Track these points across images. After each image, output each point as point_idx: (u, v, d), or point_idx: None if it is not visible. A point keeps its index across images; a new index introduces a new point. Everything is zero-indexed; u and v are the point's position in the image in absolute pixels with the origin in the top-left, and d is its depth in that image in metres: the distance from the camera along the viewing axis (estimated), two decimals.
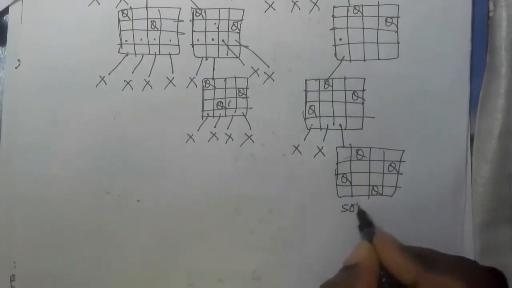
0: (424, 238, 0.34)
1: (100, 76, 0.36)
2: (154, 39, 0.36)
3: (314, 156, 0.36)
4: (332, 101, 0.36)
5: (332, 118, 0.36)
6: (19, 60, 0.36)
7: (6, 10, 0.36)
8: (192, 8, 0.36)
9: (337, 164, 0.35)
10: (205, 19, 0.36)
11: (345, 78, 0.35)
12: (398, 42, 0.35)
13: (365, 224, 0.33)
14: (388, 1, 0.35)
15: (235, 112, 0.36)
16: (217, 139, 0.36)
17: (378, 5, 0.35)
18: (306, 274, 0.35)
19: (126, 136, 0.36)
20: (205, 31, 0.36)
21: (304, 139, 0.36)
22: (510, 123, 0.34)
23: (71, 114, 0.36)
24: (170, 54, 0.36)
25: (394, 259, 0.29)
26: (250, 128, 0.36)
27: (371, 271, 0.29)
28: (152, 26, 0.36)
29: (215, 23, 0.36)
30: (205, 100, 0.36)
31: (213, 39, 0.36)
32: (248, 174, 0.36)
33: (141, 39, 0.36)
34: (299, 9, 0.36)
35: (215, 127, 0.36)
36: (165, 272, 0.36)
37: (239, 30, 0.36)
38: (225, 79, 0.36)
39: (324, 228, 0.35)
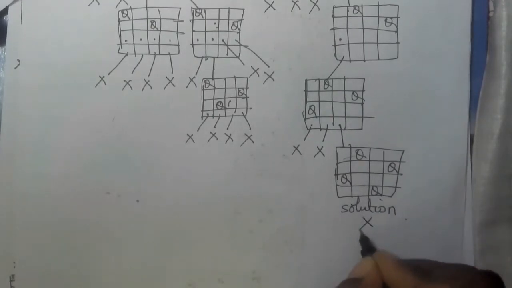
0: (424, 239, 0.35)
1: (100, 76, 0.36)
2: (154, 39, 0.36)
3: (314, 156, 0.35)
4: (332, 101, 0.36)
5: (331, 118, 0.35)
6: (18, 60, 0.36)
7: (6, 10, 0.36)
8: (192, 8, 0.36)
9: (337, 164, 0.35)
10: (205, 19, 0.36)
11: (344, 78, 0.35)
12: (398, 42, 0.35)
13: (368, 250, 0.33)
14: (388, 1, 0.35)
15: (235, 112, 0.36)
16: (217, 139, 0.36)
17: (378, 5, 0.35)
18: (306, 274, 0.35)
19: (126, 136, 0.36)
20: (205, 31, 0.36)
21: (304, 139, 0.36)
22: (510, 123, 0.34)
23: (70, 114, 0.36)
24: (170, 54, 0.36)
25: (392, 273, 0.29)
26: (250, 128, 0.36)
27: (375, 286, 0.30)
28: (152, 26, 0.36)
29: (215, 23, 0.36)
30: (205, 100, 0.36)
31: (213, 39, 0.36)
32: (248, 174, 0.36)
33: (141, 39, 0.36)
34: (299, 9, 0.36)
35: (215, 127, 0.36)
36: (165, 272, 0.36)
37: (239, 30, 0.36)
38: (225, 79, 0.36)
39: (324, 228, 0.35)
